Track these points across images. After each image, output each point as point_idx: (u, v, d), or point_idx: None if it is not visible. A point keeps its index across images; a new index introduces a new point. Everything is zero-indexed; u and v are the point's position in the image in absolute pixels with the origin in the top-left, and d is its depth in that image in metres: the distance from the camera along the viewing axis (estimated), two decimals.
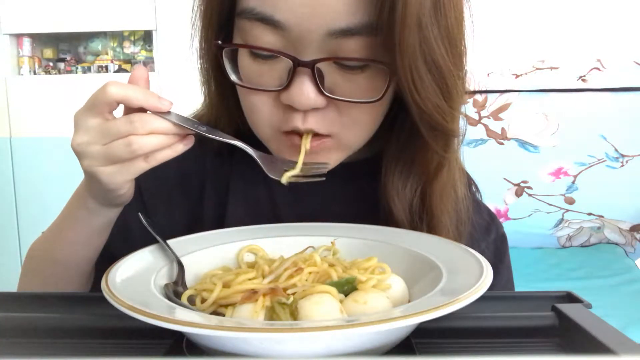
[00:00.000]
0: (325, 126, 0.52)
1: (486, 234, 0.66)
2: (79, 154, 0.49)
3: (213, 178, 0.66)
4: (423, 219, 0.58)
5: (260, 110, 0.53)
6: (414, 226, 0.58)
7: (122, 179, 0.49)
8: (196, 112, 0.66)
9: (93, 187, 0.52)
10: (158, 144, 0.48)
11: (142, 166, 0.48)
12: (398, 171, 0.58)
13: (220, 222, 0.63)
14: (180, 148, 0.50)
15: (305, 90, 0.49)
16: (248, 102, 0.54)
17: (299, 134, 0.53)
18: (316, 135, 0.53)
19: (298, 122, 0.51)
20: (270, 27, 0.48)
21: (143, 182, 0.63)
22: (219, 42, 0.52)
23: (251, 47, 0.50)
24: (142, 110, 0.48)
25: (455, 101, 0.51)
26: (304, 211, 0.63)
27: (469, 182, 0.66)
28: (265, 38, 0.49)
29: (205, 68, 0.59)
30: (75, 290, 0.61)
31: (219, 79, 0.59)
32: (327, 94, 0.49)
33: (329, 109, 0.51)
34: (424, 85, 0.48)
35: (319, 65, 0.48)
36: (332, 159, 0.56)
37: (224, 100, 0.61)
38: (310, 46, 0.48)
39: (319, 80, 0.49)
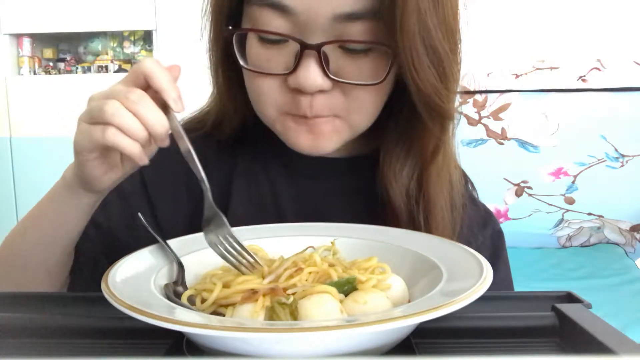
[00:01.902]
0: (331, 109, 0.54)
1: (483, 228, 0.67)
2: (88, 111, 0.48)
3: (216, 173, 0.66)
4: (420, 204, 0.60)
5: (267, 94, 0.55)
6: (410, 210, 0.60)
7: (83, 143, 0.47)
8: (203, 106, 0.68)
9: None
10: (129, 127, 0.44)
11: (97, 136, 0.45)
12: (396, 155, 0.60)
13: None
14: (137, 151, 0.46)
15: (312, 73, 0.51)
16: (255, 86, 0.56)
17: (305, 116, 0.55)
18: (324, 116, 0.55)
19: (305, 105, 0.53)
20: (278, 12, 0.51)
21: (147, 172, 0.64)
22: (229, 27, 0.55)
23: (261, 32, 0.53)
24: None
25: (451, 83, 0.54)
26: (306, 205, 0.64)
27: (465, 179, 0.68)
28: (274, 23, 0.51)
29: (214, 58, 0.61)
30: (50, 278, 0.60)
31: (227, 69, 0.61)
32: (332, 76, 0.52)
33: (335, 92, 0.54)
34: (422, 66, 0.51)
35: (325, 48, 0.51)
36: (335, 139, 0.57)
37: (231, 90, 0.62)
38: (316, 30, 0.51)
39: (324, 63, 0.51)
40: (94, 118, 0.46)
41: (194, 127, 0.67)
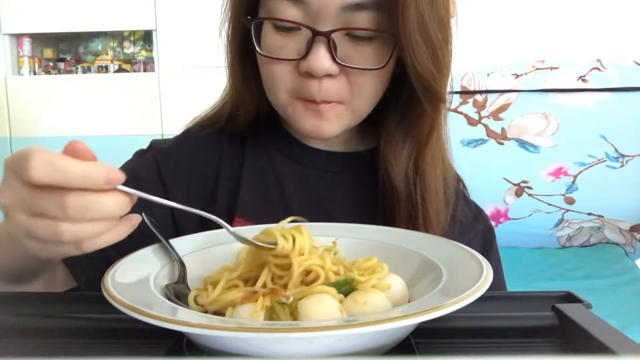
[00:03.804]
0: (337, 93, 0.60)
1: (475, 223, 0.73)
2: (5, 212, 0.40)
3: (226, 167, 0.70)
4: (417, 183, 0.66)
5: (280, 78, 0.61)
6: (408, 189, 0.65)
7: (48, 256, 0.41)
8: (215, 103, 0.72)
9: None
10: (97, 231, 0.38)
11: (71, 251, 0.40)
12: (395, 139, 0.66)
13: (232, 210, 0.66)
14: (123, 231, 0.40)
15: (321, 57, 0.57)
16: (269, 71, 0.62)
17: (314, 100, 0.60)
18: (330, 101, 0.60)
19: (314, 88, 0.59)
20: (292, 3, 0.57)
21: (161, 160, 0.68)
22: (249, 17, 0.61)
23: (277, 20, 0.58)
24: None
25: (444, 68, 0.60)
26: (309, 196, 0.69)
27: (458, 179, 0.74)
28: (288, 12, 0.57)
29: (232, 49, 0.67)
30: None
31: (243, 59, 0.67)
32: (339, 61, 0.58)
33: (341, 78, 0.59)
34: (420, 52, 0.57)
35: (334, 36, 0.57)
36: (337, 124, 0.62)
37: (247, 79, 0.68)
38: (326, 18, 0.56)
39: (333, 49, 0.57)
40: (48, 240, 0.38)
41: (208, 124, 0.72)
